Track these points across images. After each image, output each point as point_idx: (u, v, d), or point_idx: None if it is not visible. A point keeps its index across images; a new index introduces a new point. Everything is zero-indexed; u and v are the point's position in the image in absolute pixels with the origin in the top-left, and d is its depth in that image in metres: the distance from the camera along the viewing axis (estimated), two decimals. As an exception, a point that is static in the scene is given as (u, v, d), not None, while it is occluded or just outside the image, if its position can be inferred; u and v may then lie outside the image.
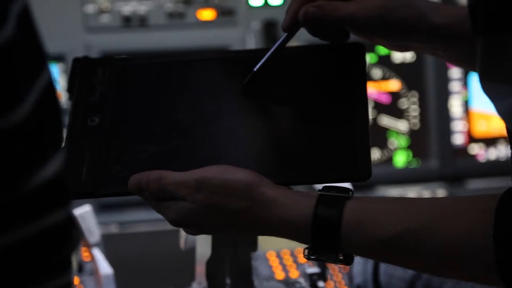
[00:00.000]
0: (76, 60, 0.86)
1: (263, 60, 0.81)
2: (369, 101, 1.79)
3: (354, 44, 0.83)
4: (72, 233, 0.50)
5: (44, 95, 0.48)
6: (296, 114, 0.80)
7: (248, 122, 0.80)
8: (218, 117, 0.80)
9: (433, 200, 0.80)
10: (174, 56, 0.92)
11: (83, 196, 0.78)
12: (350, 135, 0.77)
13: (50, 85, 0.49)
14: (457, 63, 0.95)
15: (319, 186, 0.75)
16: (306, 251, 0.73)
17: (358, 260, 1.10)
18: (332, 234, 0.72)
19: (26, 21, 0.48)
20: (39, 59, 0.48)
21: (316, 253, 0.73)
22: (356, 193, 0.75)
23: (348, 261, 0.73)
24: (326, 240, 0.72)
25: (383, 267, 1.09)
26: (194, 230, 0.78)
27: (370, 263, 1.10)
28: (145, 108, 0.82)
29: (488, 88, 0.74)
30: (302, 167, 0.76)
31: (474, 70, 0.97)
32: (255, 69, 0.81)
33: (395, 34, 0.83)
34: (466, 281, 0.76)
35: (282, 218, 0.73)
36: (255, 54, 0.84)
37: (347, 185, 0.77)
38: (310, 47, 0.85)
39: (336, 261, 0.73)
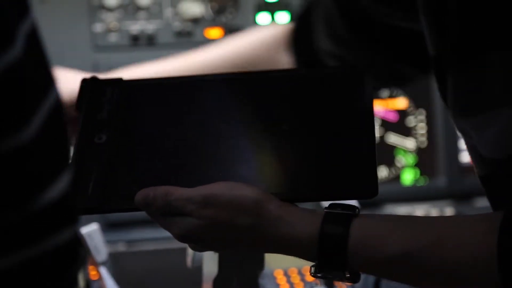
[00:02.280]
0: (85, 81, 0.87)
1: None
2: (376, 119, 1.79)
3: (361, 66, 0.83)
4: (79, 252, 0.50)
5: (51, 116, 0.48)
6: (302, 132, 0.80)
7: (254, 140, 0.81)
8: (225, 135, 0.81)
9: (439, 218, 0.80)
10: (180, 77, 0.93)
11: (90, 211, 0.78)
12: (357, 153, 0.77)
13: (58, 106, 0.49)
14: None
15: (326, 204, 0.75)
16: (313, 268, 0.73)
17: (358, 284, 1.09)
18: (338, 252, 0.72)
19: (34, 41, 0.48)
20: (47, 80, 0.49)
21: (323, 271, 0.73)
22: (364, 211, 0.75)
23: (355, 279, 0.73)
24: (332, 258, 0.72)
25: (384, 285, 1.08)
26: (200, 246, 0.78)
27: (370, 282, 1.10)
28: (153, 126, 0.83)
29: (463, 124, 0.74)
30: (308, 185, 0.76)
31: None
32: None
33: None
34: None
35: (288, 236, 0.73)
36: (261, 75, 0.85)
37: (354, 202, 0.77)
38: (317, 69, 0.85)
39: (343, 278, 0.73)
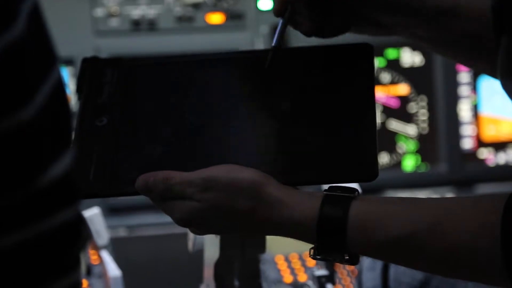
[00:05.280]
0: (85, 60, 0.86)
1: (276, 35, 0.82)
2: (377, 105, 1.79)
3: (362, 44, 0.82)
4: (81, 232, 0.50)
5: (54, 93, 0.48)
6: (304, 115, 0.80)
7: (255, 122, 0.81)
8: (226, 117, 0.80)
9: (439, 200, 0.79)
10: (182, 56, 0.92)
11: (91, 196, 0.78)
12: (358, 136, 0.77)
13: (60, 84, 0.49)
14: (439, 49, 0.93)
15: (326, 187, 0.75)
16: (312, 250, 0.73)
17: (367, 266, 1.10)
18: (337, 234, 0.72)
19: (37, 19, 0.48)
20: (49, 58, 0.49)
21: (322, 253, 0.73)
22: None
23: (354, 261, 0.73)
24: (331, 240, 0.72)
25: (392, 273, 1.08)
26: (201, 229, 0.78)
27: (378, 269, 1.10)
28: (153, 108, 0.83)
29: (509, 86, 0.73)
30: (309, 168, 0.76)
31: (459, 60, 0.95)
32: (273, 45, 0.82)
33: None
34: (474, 281, 0.75)
35: (287, 218, 0.73)
36: (263, 54, 0.84)
37: (355, 185, 0.77)
38: (318, 47, 0.84)
39: (342, 261, 0.73)
